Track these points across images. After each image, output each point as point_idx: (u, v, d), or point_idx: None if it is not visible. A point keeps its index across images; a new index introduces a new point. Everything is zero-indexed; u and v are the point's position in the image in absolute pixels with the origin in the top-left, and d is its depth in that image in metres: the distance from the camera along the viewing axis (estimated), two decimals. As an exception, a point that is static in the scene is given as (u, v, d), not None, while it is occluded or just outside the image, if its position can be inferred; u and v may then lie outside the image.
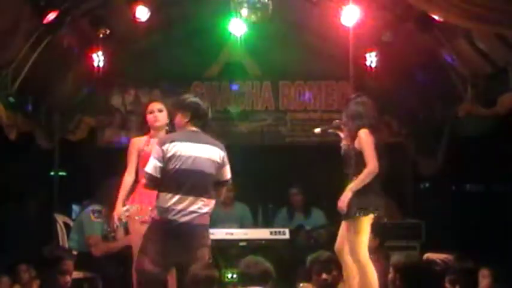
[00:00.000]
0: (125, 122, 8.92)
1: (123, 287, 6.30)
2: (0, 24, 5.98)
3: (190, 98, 5.39)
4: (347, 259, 5.52)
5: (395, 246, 7.16)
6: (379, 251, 6.18)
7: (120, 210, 5.64)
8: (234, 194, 8.04)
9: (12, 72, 6.67)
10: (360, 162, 5.56)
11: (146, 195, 5.47)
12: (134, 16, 6.98)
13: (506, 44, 6.10)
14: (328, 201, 5.94)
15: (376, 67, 7.80)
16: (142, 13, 6.96)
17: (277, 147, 8.97)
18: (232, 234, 7.21)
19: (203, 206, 5.17)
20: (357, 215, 5.44)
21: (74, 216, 7.61)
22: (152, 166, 5.14)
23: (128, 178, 5.68)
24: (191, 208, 5.12)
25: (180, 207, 5.10)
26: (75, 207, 8.09)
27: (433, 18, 6.32)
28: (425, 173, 8.59)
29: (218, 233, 6.95)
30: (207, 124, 5.34)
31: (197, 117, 5.29)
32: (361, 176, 5.44)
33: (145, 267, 5.15)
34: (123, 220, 5.73)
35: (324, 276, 5.13)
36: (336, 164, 5.83)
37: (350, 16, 6.94)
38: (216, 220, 6.22)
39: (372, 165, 5.45)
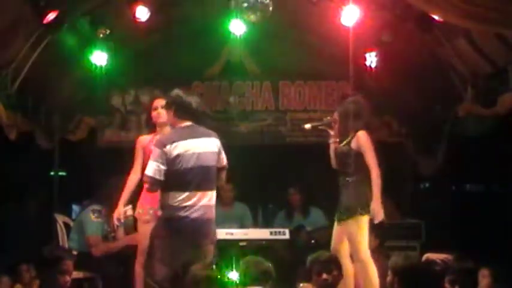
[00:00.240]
0: (125, 122, 8.92)
1: (123, 287, 6.31)
2: (0, 24, 5.98)
3: (174, 94, 5.42)
4: (344, 260, 5.55)
5: (395, 246, 7.16)
6: (379, 251, 6.18)
7: (121, 210, 5.64)
8: (234, 194, 8.06)
9: (12, 72, 6.67)
10: (358, 163, 5.60)
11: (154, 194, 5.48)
12: (134, 16, 6.97)
13: (506, 44, 6.10)
14: (328, 201, 5.94)
15: (376, 67, 7.80)
16: (142, 13, 6.96)
17: (277, 147, 8.97)
18: (232, 234, 7.21)
19: (210, 198, 5.25)
20: (359, 214, 5.46)
21: (74, 216, 7.61)
22: (154, 169, 5.14)
23: (133, 177, 5.70)
24: (200, 203, 5.18)
25: (190, 203, 5.16)
26: (75, 207, 8.10)
27: (433, 18, 6.32)
28: (425, 173, 8.59)
29: (218, 233, 6.93)
30: (197, 116, 5.35)
31: (183, 111, 5.33)
32: (376, 182, 5.51)
33: (156, 270, 5.17)
34: (122, 220, 5.73)
35: (324, 276, 5.13)
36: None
37: (350, 16, 6.94)
38: (216, 220, 6.21)
39: (377, 167, 5.54)
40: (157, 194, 5.42)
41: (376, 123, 8.86)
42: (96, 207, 6.58)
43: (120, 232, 6.74)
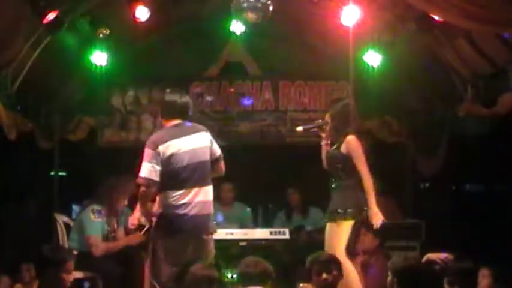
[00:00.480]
0: (125, 122, 8.92)
1: (123, 287, 6.31)
2: (0, 24, 5.98)
3: (156, 95, 5.47)
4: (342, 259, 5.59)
5: (395, 246, 7.16)
6: (379, 251, 6.18)
7: (137, 215, 5.62)
8: (234, 194, 8.06)
9: (12, 72, 6.67)
10: (347, 167, 5.66)
11: None
12: (134, 16, 6.97)
13: (506, 44, 6.10)
14: (327, 201, 5.94)
15: (376, 67, 7.80)
16: (142, 13, 6.95)
17: (277, 147, 8.97)
18: (232, 234, 7.21)
19: (207, 194, 5.25)
20: (343, 218, 5.58)
21: (74, 216, 7.60)
22: (149, 170, 5.14)
23: None
24: (197, 199, 5.19)
25: (187, 200, 5.17)
26: (75, 207, 8.09)
27: (433, 18, 6.32)
28: (426, 173, 8.59)
29: (218, 233, 6.93)
30: (185, 113, 5.35)
31: (168, 110, 5.33)
32: (370, 188, 5.62)
33: (160, 270, 5.18)
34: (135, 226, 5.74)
35: (324, 276, 5.12)
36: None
37: (350, 16, 6.94)
38: (216, 220, 6.22)
39: (368, 174, 5.62)
40: None
41: (378, 123, 8.91)
42: (96, 207, 6.58)
43: (120, 232, 6.74)
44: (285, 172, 8.56)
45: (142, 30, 7.45)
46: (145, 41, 8.34)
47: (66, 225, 6.93)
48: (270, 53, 8.66)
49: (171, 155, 5.16)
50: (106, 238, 6.59)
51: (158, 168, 5.12)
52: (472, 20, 5.27)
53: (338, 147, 5.73)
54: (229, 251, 6.99)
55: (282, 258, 7.08)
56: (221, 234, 7.04)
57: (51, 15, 6.33)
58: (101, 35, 7.13)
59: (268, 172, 8.64)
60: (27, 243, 7.51)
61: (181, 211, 5.16)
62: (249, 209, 8.15)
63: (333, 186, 5.79)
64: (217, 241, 6.80)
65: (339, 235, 5.63)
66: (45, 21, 6.36)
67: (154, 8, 7.09)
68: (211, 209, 5.31)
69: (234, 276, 6.58)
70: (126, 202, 6.73)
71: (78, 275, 6.52)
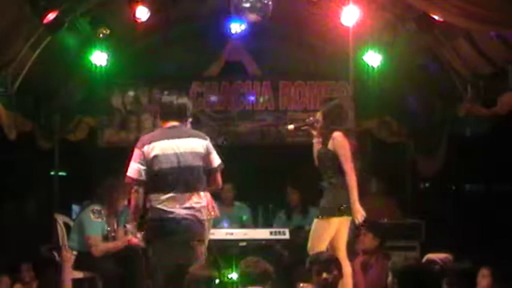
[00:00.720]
0: (125, 122, 8.92)
1: (123, 287, 6.31)
2: (0, 24, 5.98)
3: (156, 96, 5.45)
4: (341, 254, 5.61)
5: (395, 246, 7.16)
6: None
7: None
8: (234, 194, 8.06)
9: (12, 72, 6.67)
10: (335, 165, 5.67)
11: None
12: (134, 16, 6.97)
13: (506, 44, 6.10)
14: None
15: (376, 67, 7.80)
16: (142, 13, 6.95)
17: (277, 147, 8.97)
18: (232, 234, 7.20)
19: (198, 200, 5.17)
20: (329, 216, 5.60)
21: (74, 216, 7.60)
22: (134, 170, 5.13)
23: None
24: (186, 204, 5.13)
25: (171, 204, 5.11)
26: (75, 207, 8.09)
27: (433, 18, 6.32)
28: (426, 173, 8.59)
29: (218, 233, 6.95)
30: (182, 114, 5.31)
31: (166, 112, 5.31)
32: (353, 185, 5.59)
33: (152, 272, 5.18)
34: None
35: (325, 275, 5.13)
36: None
37: (350, 16, 6.94)
38: (216, 220, 6.21)
39: (351, 170, 5.61)
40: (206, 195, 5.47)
41: (378, 123, 8.92)
42: (96, 207, 6.57)
43: (120, 232, 6.74)
44: (285, 172, 8.55)
45: (142, 30, 7.46)
46: (145, 41, 8.35)
47: (66, 225, 6.93)
48: (270, 53, 8.66)
49: (155, 156, 5.13)
50: (106, 238, 6.58)
51: (143, 167, 5.11)
52: (472, 20, 5.27)
53: (326, 145, 5.76)
54: (229, 251, 6.99)
55: (282, 258, 7.08)
56: (221, 234, 7.06)
57: (51, 15, 6.33)
58: (101, 35, 7.13)
59: (268, 172, 8.63)
60: (27, 243, 7.51)
61: (165, 215, 5.11)
62: (249, 209, 8.15)
63: (322, 184, 5.82)
64: (217, 241, 6.83)
65: (327, 232, 5.66)
66: (45, 21, 6.36)
67: (154, 8, 7.09)
68: (198, 215, 5.18)
69: (234, 276, 6.58)
70: (126, 202, 6.71)
71: (78, 275, 6.52)
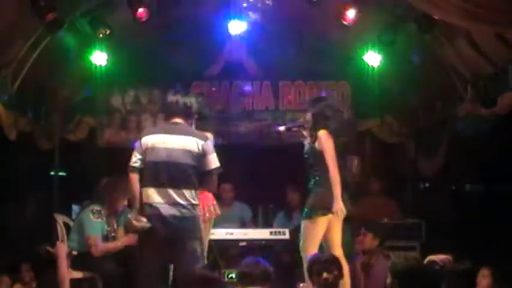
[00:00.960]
0: (125, 122, 8.92)
1: (123, 287, 6.31)
2: (0, 24, 5.98)
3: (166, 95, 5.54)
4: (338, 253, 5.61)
5: (395, 246, 7.15)
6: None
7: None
8: (233, 194, 8.05)
9: (12, 72, 6.67)
10: (320, 163, 5.73)
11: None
12: (134, 16, 6.97)
13: (506, 44, 6.09)
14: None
15: (376, 67, 7.80)
16: (142, 13, 6.95)
17: (277, 147, 8.97)
18: (232, 234, 7.21)
19: (186, 197, 5.18)
20: (316, 215, 5.66)
21: (74, 216, 7.60)
22: (132, 159, 5.26)
23: None
24: (173, 200, 5.14)
25: (161, 200, 5.14)
26: (75, 207, 8.08)
27: (433, 18, 6.32)
28: (426, 173, 8.59)
29: (218, 233, 6.95)
30: (187, 112, 5.35)
31: (171, 110, 5.37)
32: (336, 182, 5.66)
33: (142, 269, 5.19)
34: None
35: (325, 275, 5.13)
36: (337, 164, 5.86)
37: (350, 16, 6.94)
38: (216, 220, 6.22)
39: (334, 167, 5.67)
40: (206, 194, 5.63)
41: (378, 123, 8.92)
42: (96, 207, 6.58)
43: (120, 232, 6.74)
44: (284, 172, 8.55)
45: (142, 30, 7.45)
46: (145, 41, 8.35)
47: (66, 225, 6.93)
48: (270, 53, 8.65)
49: (149, 147, 5.23)
50: (106, 238, 6.58)
51: (139, 156, 5.24)
52: (472, 20, 5.27)
53: (313, 145, 5.82)
54: (229, 251, 6.99)
55: (282, 258, 7.08)
56: (221, 234, 7.06)
57: (51, 15, 6.33)
58: (101, 35, 7.13)
59: (268, 172, 8.63)
60: (27, 243, 7.51)
61: (152, 211, 5.16)
62: (248, 209, 8.15)
63: (310, 183, 5.87)
64: (217, 241, 6.84)
65: (315, 231, 5.70)
66: (45, 21, 6.36)
67: (154, 8, 7.09)
68: (184, 212, 5.18)
69: (234, 276, 6.58)
70: (126, 202, 6.72)
71: (78, 275, 6.52)
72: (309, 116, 5.92)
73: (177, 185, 5.16)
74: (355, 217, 6.42)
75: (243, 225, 7.85)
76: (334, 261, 5.19)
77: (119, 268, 6.37)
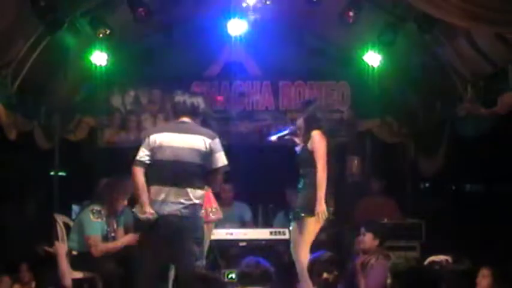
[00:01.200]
0: (125, 122, 8.92)
1: (123, 287, 6.31)
2: (0, 24, 5.98)
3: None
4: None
5: (395, 246, 7.15)
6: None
7: None
8: (233, 194, 8.05)
9: (12, 72, 6.67)
10: (310, 164, 5.79)
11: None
12: (134, 16, 6.97)
13: (506, 44, 6.09)
14: (327, 201, 5.95)
15: (376, 67, 7.80)
16: (142, 13, 6.95)
17: (277, 147, 8.95)
18: (232, 234, 7.21)
19: (190, 197, 5.18)
20: (307, 216, 5.69)
21: (74, 216, 7.60)
22: (139, 153, 5.27)
23: None
24: (176, 199, 5.15)
25: (164, 198, 5.15)
26: (75, 207, 8.08)
27: (433, 18, 6.32)
28: (426, 173, 8.59)
29: (218, 233, 6.95)
30: (193, 113, 5.38)
31: (178, 109, 5.40)
32: (322, 183, 5.69)
33: (143, 267, 5.19)
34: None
35: (325, 275, 5.13)
36: (336, 164, 5.87)
37: (350, 16, 6.94)
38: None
39: (322, 168, 5.70)
40: (208, 196, 5.66)
41: (378, 123, 8.92)
42: (96, 207, 6.58)
43: (120, 232, 6.74)
44: (284, 172, 8.55)
45: (142, 30, 7.45)
46: (145, 41, 8.35)
47: (66, 225, 6.93)
48: (270, 53, 8.65)
49: (157, 146, 5.24)
50: (106, 238, 6.58)
51: (147, 152, 5.25)
52: (472, 20, 5.27)
53: (305, 146, 5.87)
54: (229, 251, 6.99)
55: (282, 258, 7.08)
56: (221, 234, 7.06)
57: (51, 15, 6.33)
58: (101, 35, 7.13)
59: (268, 172, 8.63)
60: (27, 243, 7.51)
61: (156, 208, 5.17)
62: (248, 209, 8.15)
63: (299, 184, 5.91)
64: (217, 241, 6.84)
65: (306, 233, 5.73)
66: (45, 21, 6.36)
67: (154, 8, 7.09)
68: (188, 211, 5.20)
69: (234, 276, 6.58)
70: (126, 202, 6.73)
71: (78, 275, 6.52)
72: (300, 121, 5.97)
73: (181, 184, 5.18)
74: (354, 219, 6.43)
75: (243, 225, 7.84)
76: (334, 262, 5.19)
77: (119, 268, 6.37)
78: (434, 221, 7.79)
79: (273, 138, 6.18)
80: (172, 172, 5.18)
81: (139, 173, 5.23)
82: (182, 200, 5.17)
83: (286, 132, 6.13)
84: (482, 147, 7.44)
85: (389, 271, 4.73)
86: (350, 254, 6.69)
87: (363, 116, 8.94)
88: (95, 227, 6.51)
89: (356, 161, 9.00)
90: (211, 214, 5.90)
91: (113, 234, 6.65)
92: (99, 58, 7.58)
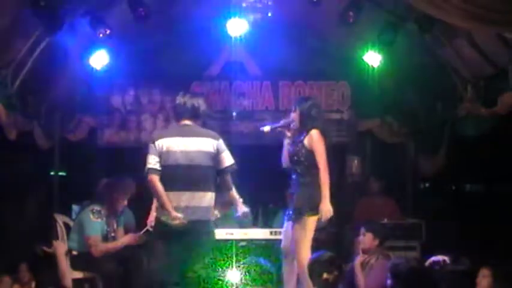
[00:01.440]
0: (125, 122, 8.91)
1: (123, 287, 6.31)
2: (0, 24, 5.97)
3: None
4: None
5: (395, 246, 7.16)
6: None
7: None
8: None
9: (12, 72, 6.66)
10: (310, 162, 5.77)
11: None
12: (134, 16, 6.97)
13: (506, 44, 6.10)
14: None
15: (376, 67, 7.80)
16: (142, 13, 6.95)
17: (277, 147, 8.94)
18: (232, 234, 7.20)
19: (202, 200, 5.17)
20: (308, 214, 5.69)
21: (74, 216, 7.60)
22: (149, 162, 5.20)
23: None
24: (190, 204, 5.14)
25: (178, 204, 5.12)
26: (75, 207, 8.08)
27: (433, 18, 6.32)
28: (426, 173, 8.59)
29: (218, 233, 6.94)
30: (195, 114, 5.36)
31: (179, 112, 5.38)
32: (324, 181, 5.70)
33: (158, 272, 5.19)
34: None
35: (325, 276, 5.13)
36: (335, 164, 5.87)
37: (350, 16, 6.94)
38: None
39: (325, 167, 5.72)
40: None
41: (378, 123, 8.92)
42: (96, 207, 6.58)
43: (120, 232, 6.74)
44: (284, 172, 8.54)
45: (142, 30, 7.45)
46: (145, 41, 8.34)
47: (66, 225, 6.93)
48: (270, 53, 8.64)
49: (164, 151, 5.21)
50: (106, 238, 6.58)
51: (157, 159, 5.19)
52: (473, 20, 5.27)
53: (302, 142, 5.84)
54: (229, 251, 6.99)
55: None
56: (221, 234, 7.05)
57: (51, 15, 6.32)
58: (101, 35, 7.12)
59: (268, 172, 8.62)
60: (27, 243, 7.51)
61: (167, 214, 5.15)
62: (249, 209, 8.13)
63: (295, 182, 5.92)
64: (217, 241, 6.83)
65: (306, 232, 5.73)
66: (45, 21, 6.36)
67: (154, 8, 7.09)
68: (202, 215, 5.21)
69: (234, 276, 6.58)
70: (126, 202, 6.74)
71: (78, 275, 6.52)
72: (295, 115, 5.96)
73: (197, 188, 5.18)
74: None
75: (242, 225, 7.83)
76: (335, 262, 5.19)
77: (119, 268, 6.37)
78: (434, 221, 7.79)
79: (266, 129, 6.16)
80: (187, 176, 5.17)
81: (157, 181, 5.18)
82: (200, 205, 5.17)
83: (279, 124, 6.11)
84: (483, 147, 7.44)
85: (389, 271, 4.73)
86: (350, 254, 6.69)
87: (363, 116, 8.94)
88: (95, 227, 6.51)
89: (356, 161, 9.00)
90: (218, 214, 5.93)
91: (112, 234, 6.65)
92: (99, 58, 7.57)
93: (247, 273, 4.99)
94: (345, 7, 7.03)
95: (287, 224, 5.99)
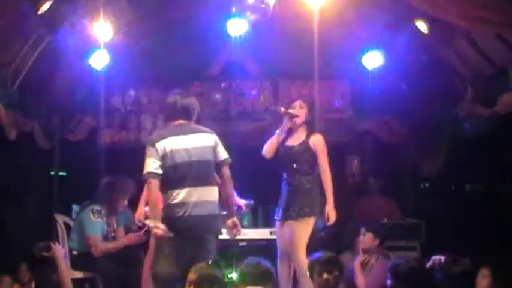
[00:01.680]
0: (125, 122, 8.91)
1: (123, 287, 6.31)
2: (0, 24, 5.98)
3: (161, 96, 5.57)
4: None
5: (395, 246, 7.16)
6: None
7: (142, 211, 5.69)
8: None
9: (12, 72, 6.67)
10: (313, 164, 5.83)
11: None
12: (134, 16, 6.97)
13: (506, 44, 6.10)
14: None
15: (376, 67, 7.80)
16: (141, 13, 6.95)
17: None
18: (232, 234, 7.19)
19: (210, 194, 5.23)
20: (308, 216, 5.72)
21: (74, 216, 7.60)
22: (149, 165, 5.18)
23: None
24: (200, 199, 5.18)
25: (188, 200, 5.16)
26: (75, 207, 8.08)
27: (433, 18, 6.33)
28: (426, 173, 8.59)
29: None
30: (188, 113, 5.37)
31: (172, 112, 5.38)
32: (328, 184, 5.77)
33: (163, 269, 5.18)
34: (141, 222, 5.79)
35: (325, 276, 5.13)
36: (335, 164, 5.88)
37: (350, 16, 6.94)
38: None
39: (328, 170, 5.81)
40: None
41: (378, 123, 8.92)
42: (96, 207, 6.58)
43: (120, 232, 6.74)
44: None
45: (142, 30, 7.45)
46: (145, 41, 8.34)
47: (66, 225, 6.93)
48: (270, 53, 8.64)
49: (168, 152, 5.20)
50: (106, 238, 6.58)
51: (159, 162, 5.17)
52: (472, 20, 5.28)
53: (306, 143, 5.86)
54: (229, 251, 6.99)
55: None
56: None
57: (51, 15, 6.33)
58: (100, 35, 7.12)
59: (268, 172, 8.61)
60: (27, 243, 7.50)
61: (178, 211, 5.16)
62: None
63: (295, 182, 5.95)
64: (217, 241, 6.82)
65: (305, 233, 5.73)
66: (45, 21, 6.36)
67: (154, 9, 7.09)
68: (212, 209, 5.26)
69: (234, 276, 6.58)
70: (126, 202, 6.74)
71: (78, 275, 6.52)
72: (303, 111, 5.98)
73: (205, 183, 5.22)
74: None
75: (242, 225, 7.82)
76: (335, 262, 5.19)
77: (119, 268, 6.37)
78: (434, 221, 7.79)
79: (282, 109, 6.16)
80: (193, 173, 5.19)
81: (156, 186, 5.17)
82: (209, 199, 5.22)
83: (291, 112, 6.08)
84: (482, 147, 7.44)
85: (390, 271, 4.73)
86: (350, 254, 6.69)
87: (363, 116, 8.93)
88: (95, 227, 6.51)
89: (356, 161, 8.99)
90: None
91: (112, 234, 6.65)
92: (99, 58, 7.57)
93: (247, 273, 4.97)
94: (345, 7, 7.03)
95: (279, 224, 5.98)
